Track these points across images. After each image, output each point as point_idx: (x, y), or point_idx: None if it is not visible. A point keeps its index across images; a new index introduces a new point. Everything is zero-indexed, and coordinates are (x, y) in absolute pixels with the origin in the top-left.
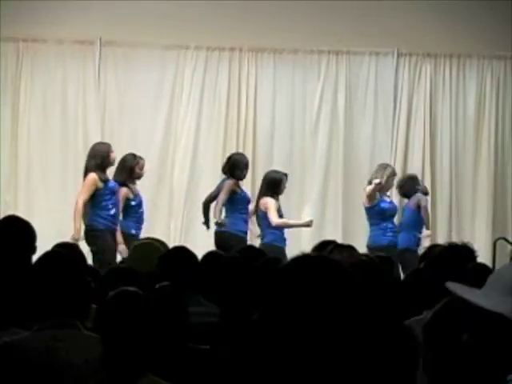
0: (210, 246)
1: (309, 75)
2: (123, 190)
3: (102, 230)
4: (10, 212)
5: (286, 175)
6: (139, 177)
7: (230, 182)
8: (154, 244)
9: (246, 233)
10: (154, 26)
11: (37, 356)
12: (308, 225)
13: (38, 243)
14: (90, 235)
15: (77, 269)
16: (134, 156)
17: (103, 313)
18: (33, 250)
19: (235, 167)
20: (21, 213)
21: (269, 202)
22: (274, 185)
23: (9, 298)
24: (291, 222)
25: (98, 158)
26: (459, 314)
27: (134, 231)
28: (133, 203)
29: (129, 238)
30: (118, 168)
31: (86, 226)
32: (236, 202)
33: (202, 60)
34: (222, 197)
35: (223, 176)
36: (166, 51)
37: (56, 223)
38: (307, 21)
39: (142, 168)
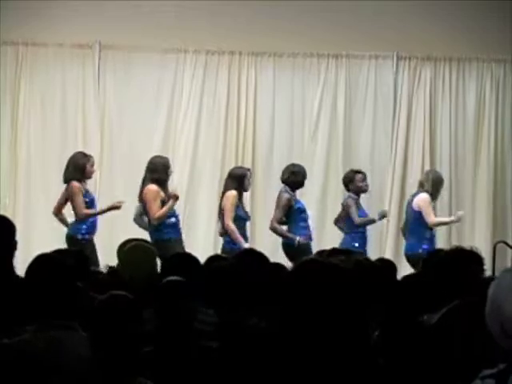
0: (210, 250)
1: (308, 79)
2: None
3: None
4: (10, 215)
5: (249, 170)
6: (91, 175)
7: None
8: (146, 245)
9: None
10: (153, 29)
11: (37, 357)
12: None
13: (37, 247)
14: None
15: (70, 272)
16: (83, 154)
17: (92, 317)
18: (12, 247)
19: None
20: (20, 216)
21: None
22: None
23: None
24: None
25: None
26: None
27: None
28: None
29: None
30: (68, 167)
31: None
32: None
33: (201, 63)
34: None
35: (220, 180)
36: (165, 55)
37: (55, 227)
38: (307, 24)
39: (93, 165)
